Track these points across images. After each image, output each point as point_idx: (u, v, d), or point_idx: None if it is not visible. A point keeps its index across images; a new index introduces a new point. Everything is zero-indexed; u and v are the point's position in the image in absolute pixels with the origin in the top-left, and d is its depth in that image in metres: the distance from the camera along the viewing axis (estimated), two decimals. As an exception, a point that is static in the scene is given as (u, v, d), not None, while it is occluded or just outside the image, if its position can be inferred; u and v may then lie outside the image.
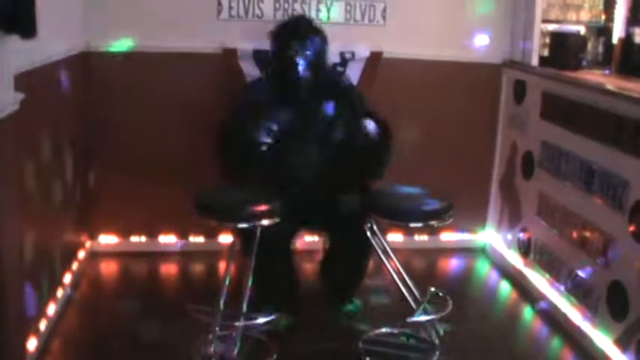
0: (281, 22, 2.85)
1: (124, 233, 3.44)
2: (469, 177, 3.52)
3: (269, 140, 2.69)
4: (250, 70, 3.20)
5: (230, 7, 3.23)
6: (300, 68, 2.70)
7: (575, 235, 2.81)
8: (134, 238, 3.46)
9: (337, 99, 2.80)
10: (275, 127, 2.70)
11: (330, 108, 2.79)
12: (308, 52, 2.72)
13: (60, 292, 2.82)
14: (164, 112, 3.29)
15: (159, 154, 3.29)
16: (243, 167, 2.70)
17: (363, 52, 3.28)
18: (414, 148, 3.36)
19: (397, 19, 3.36)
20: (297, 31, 2.75)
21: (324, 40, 2.80)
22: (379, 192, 2.73)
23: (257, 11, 3.25)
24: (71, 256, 3.09)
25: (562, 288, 2.91)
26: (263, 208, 2.47)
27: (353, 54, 3.24)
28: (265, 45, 3.05)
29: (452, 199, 2.64)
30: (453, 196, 2.67)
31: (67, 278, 2.95)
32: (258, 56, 3.18)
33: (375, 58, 3.30)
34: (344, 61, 3.24)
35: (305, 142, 2.74)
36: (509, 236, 3.44)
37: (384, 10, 3.34)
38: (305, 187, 2.70)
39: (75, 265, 3.10)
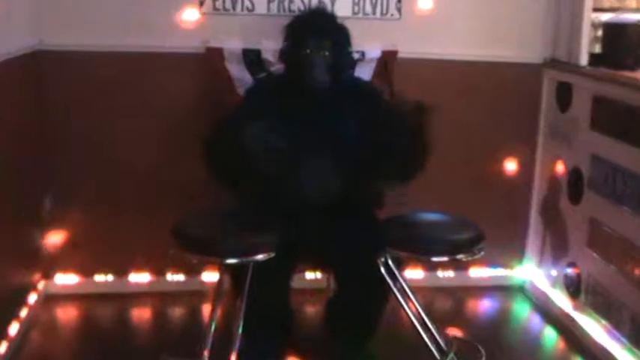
0: (297, 16, 2.96)
1: (87, 271, 3.48)
2: (503, 200, 3.58)
3: (274, 144, 2.66)
4: (239, 74, 3.28)
5: (215, -1, 3.35)
6: (318, 71, 2.78)
7: (638, 271, 2.80)
8: (99, 277, 3.50)
9: (361, 107, 2.85)
10: (282, 142, 2.70)
11: (351, 119, 2.83)
12: (327, 53, 2.81)
13: (4, 347, 2.80)
14: (136, 124, 3.35)
15: (130, 174, 3.36)
16: (240, 165, 2.66)
17: (374, 51, 3.35)
18: (437, 166, 3.31)
19: (416, 12, 3.42)
20: (316, 27, 2.83)
21: (346, 39, 2.89)
22: (394, 219, 2.78)
23: (247, 3, 3.33)
24: (19, 300, 3.10)
25: (623, 337, 2.90)
26: (257, 239, 2.52)
27: (362, 54, 3.32)
28: (257, 43, 3.16)
29: (483, 227, 2.70)
30: (484, 223, 2.71)
31: (14, 328, 2.94)
32: (248, 57, 3.26)
33: (388, 59, 3.37)
34: (352, 63, 3.23)
35: (319, 160, 2.78)
36: (554, 272, 3.47)
37: (400, 0, 3.42)
38: (312, 214, 2.74)
39: (24, 312, 3.11)
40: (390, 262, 2.70)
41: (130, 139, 3.36)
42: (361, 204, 2.86)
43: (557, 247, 3.45)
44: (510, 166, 3.62)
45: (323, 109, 2.82)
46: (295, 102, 2.81)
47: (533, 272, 3.66)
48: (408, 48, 3.39)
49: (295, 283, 2.88)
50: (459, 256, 2.68)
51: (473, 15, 3.48)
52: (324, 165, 2.78)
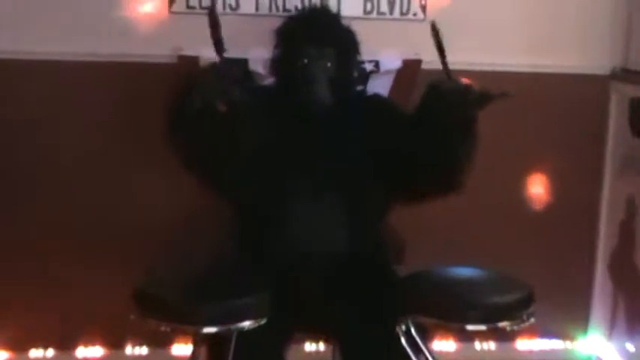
0: (291, 16, 3.01)
1: (19, 345, 3.52)
2: (560, 251, 3.62)
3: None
4: (219, 89, 3.40)
5: (189, -6, 3.40)
6: (318, 86, 2.81)
7: None
8: (35, 353, 3.54)
9: (375, 131, 2.88)
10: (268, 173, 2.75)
11: (361, 148, 2.86)
12: (329, 64, 2.86)
13: None
14: (85, 151, 3.42)
15: (75, 214, 3.42)
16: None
17: (391, 61, 3.43)
18: (473, 206, 3.39)
19: (445, 11, 3.48)
20: (315, 30, 2.87)
21: (355, 46, 2.93)
22: (418, 276, 2.80)
23: (230, 0, 3.43)
24: None
25: None
26: (243, 301, 2.53)
27: (377, 65, 3.40)
28: (242, 51, 3.23)
29: (533, 286, 2.72)
30: (535, 281, 2.74)
31: None
32: (230, 68, 3.36)
33: (410, 70, 3.43)
34: (363, 76, 3.36)
35: (321, 203, 2.81)
36: (629, 346, 3.49)
37: (424, -4, 3.50)
38: (313, 270, 2.78)
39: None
40: (412, 330, 2.71)
41: (79, 171, 3.43)
42: (376, 257, 2.91)
43: (632, 313, 3.47)
44: (568, 206, 3.66)
45: (325, 136, 2.85)
46: (289, 126, 2.83)
47: (601, 345, 3.68)
48: (436, 56, 3.46)
49: (291, 356, 2.89)
50: (502, 324, 2.66)
51: (520, 14, 3.56)
52: (327, 209, 2.82)
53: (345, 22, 2.98)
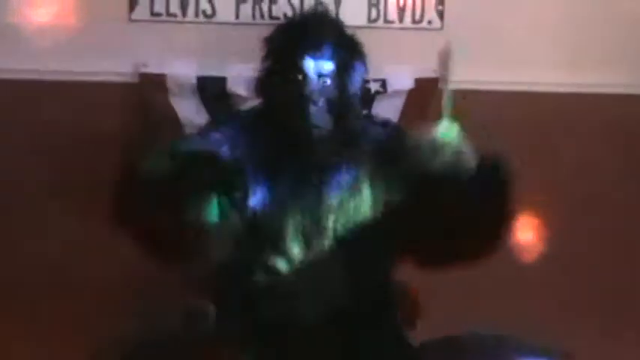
0: (283, 24, 2.98)
1: None
2: (614, 316, 3.65)
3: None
4: (190, 113, 3.40)
5: (152, -1, 3.44)
6: (315, 110, 2.79)
7: None
8: None
9: (383, 164, 2.88)
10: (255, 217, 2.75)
11: (366, 184, 2.86)
12: (328, 82, 2.83)
13: None
14: (20, 190, 3.44)
15: (16, 277, 3.44)
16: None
17: (402, 79, 3.47)
18: (503, 259, 3.24)
19: (468, 18, 3.52)
20: (313, 40, 2.83)
21: (361, 60, 2.90)
22: (436, 345, 2.83)
23: (205, 5, 3.45)
24: None
25: None
26: None
27: (383, 84, 3.44)
28: (220, 68, 3.27)
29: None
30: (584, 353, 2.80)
31: None
32: (207, 89, 3.39)
33: (424, 91, 3.45)
34: (367, 98, 3.37)
35: (317, 255, 2.80)
36: None
37: (442, 1, 3.54)
38: (308, 337, 2.77)
39: None
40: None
41: (16, 219, 3.45)
42: (383, 320, 2.90)
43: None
44: (623, 260, 3.70)
45: (322, 170, 2.84)
46: (278, 158, 2.83)
47: None
48: (456, 73, 3.47)
49: None
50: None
51: (560, 22, 3.59)
52: (325, 262, 2.81)
53: (347, 30, 2.93)
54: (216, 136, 2.84)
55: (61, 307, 3.43)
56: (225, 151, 2.78)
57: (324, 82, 2.81)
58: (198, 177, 2.61)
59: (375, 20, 3.51)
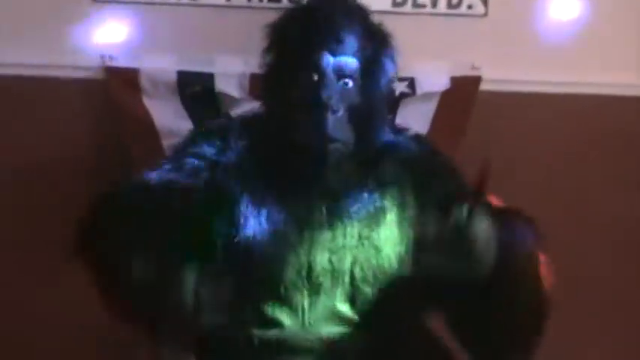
0: (292, 8, 2.93)
1: None
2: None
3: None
4: (168, 119, 3.39)
5: (123, -25, 3.44)
6: (333, 119, 2.74)
7: None
8: None
9: (416, 196, 2.81)
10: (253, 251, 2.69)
11: (390, 217, 2.80)
12: (350, 83, 2.78)
13: None
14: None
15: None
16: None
17: (433, 79, 3.46)
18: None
19: (518, 6, 3.56)
20: (333, 28, 2.77)
21: (390, 56, 2.83)
22: None
23: (188, -16, 3.47)
24: None
25: None
26: None
27: (411, 83, 3.43)
28: (206, 62, 3.28)
29: None
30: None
31: None
32: (189, 88, 3.37)
33: (462, 93, 3.47)
34: (391, 100, 3.32)
35: (328, 301, 2.77)
36: None
37: (487, -21, 3.55)
38: None
39: None
40: None
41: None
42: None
43: None
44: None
45: (338, 198, 2.78)
46: (281, 181, 2.79)
47: None
48: (502, 72, 3.50)
49: None
50: None
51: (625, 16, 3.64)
52: (340, 316, 2.77)
53: (374, 18, 2.83)
54: (194, 161, 2.79)
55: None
56: (205, 176, 2.75)
57: (346, 83, 2.76)
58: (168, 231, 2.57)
59: (402, 4, 3.51)
